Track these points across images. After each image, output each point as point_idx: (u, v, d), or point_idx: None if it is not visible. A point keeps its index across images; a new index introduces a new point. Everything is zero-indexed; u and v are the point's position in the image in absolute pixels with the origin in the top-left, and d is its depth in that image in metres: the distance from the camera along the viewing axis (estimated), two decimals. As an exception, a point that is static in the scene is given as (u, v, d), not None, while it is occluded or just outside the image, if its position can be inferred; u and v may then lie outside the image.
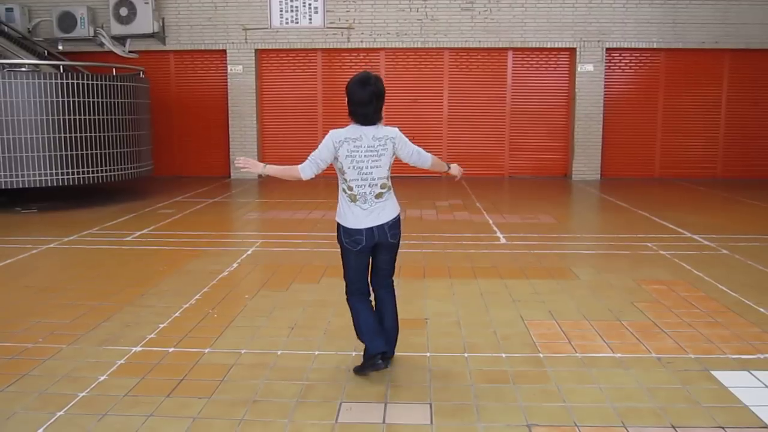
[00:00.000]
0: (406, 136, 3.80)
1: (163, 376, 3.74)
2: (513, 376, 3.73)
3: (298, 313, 4.85)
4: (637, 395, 3.48)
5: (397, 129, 3.73)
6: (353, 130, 3.62)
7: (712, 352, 4.08)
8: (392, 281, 3.92)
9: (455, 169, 4.13)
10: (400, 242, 3.84)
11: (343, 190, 3.68)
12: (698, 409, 3.32)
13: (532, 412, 3.29)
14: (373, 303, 3.89)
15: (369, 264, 3.80)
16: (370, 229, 3.63)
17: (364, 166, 3.60)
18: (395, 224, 3.73)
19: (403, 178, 13.39)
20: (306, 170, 3.70)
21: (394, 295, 3.92)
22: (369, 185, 3.63)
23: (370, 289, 3.85)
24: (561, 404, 3.37)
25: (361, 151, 3.59)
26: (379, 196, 3.65)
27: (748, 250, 6.81)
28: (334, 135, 3.64)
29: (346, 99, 3.63)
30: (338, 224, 3.73)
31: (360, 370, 3.74)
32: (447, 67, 13.57)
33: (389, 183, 3.73)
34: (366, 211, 3.63)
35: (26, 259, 6.58)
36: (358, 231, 3.64)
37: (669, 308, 4.94)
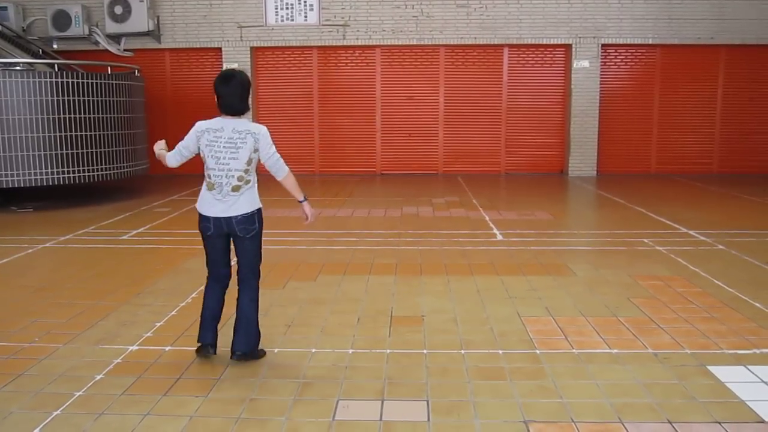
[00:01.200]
0: (271, 143, 3.82)
1: (160, 374, 3.74)
2: (510, 372, 3.73)
3: (295, 310, 4.85)
4: (634, 391, 3.49)
5: (264, 128, 3.80)
6: (217, 121, 3.78)
7: (709, 347, 4.09)
8: (252, 278, 3.89)
9: (306, 207, 3.97)
10: (260, 238, 3.88)
11: (205, 177, 3.80)
12: (695, 404, 3.32)
13: (529, 408, 3.29)
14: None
15: (225, 252, 3.91)
16: (219, 219, 3.76)
17: (222, 156, 3.72)
18: (246, 220, 3.77)
19: (398, 175, 13.41)
20: (170, 159, 3.93)
21: (250, 295, 3.88)
22: (226, 176, 3.73)
23: (228, 279, 3.98)
24: (558, 400, 3.38)
25: (221, 142, 3.72)
26: (235, 188, 3.74)
27: (744, 246, 6.83)
28: (197, 125, 3.82)
29: (215, 95, 3.76)
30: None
31: (197, 352, 3.94)
32: (443, 64, 13.55)
33: (250, 177, 3.78)
34: (218, 200, 3.75)
35: (22, 259, 6.56)
36: (207, 218, 3.79)
37: (665, 304, 4.94)
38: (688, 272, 5.84)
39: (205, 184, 3.81)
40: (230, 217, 3.74)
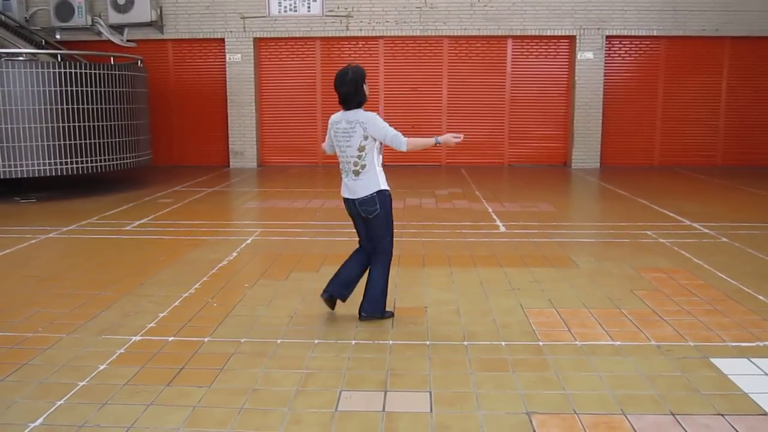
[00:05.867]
0: (390, 123, 4.23)
1: (163, 365, 3.74)
2: (512, 364, 3.74)
3: (298, 301, 4.86)
4: (637, 383, 3.49)
5: (371, 114, 4.19)
6: (338, 115, 4.30)
7: (712, 339, 4.09)
8: (380, 252, 4.33)
9: (445, 138, 4.26)
10: (385, 218, 4.27)
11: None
12: (697, 397, 3.32)
13: (532, 399, 3.30)
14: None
15: (363, 228, 4.40)
16: (348, 200, 4.32)
17: (342, 145, 4.25)
18: (366, 202, 4.23)
19: (402, 167, 13.39)
20: (326, 148, 4.58)
21: (378, 267, 4.33)
22: (346, 162, 4.26)
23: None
24: (560, 392, 3.38)
25: (339, 133, 4.24)
26: (355, 173, 4.24)
27: (747, 238, 6.81)
28: (330, 119, 4.39)
29: None
30: None
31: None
32: (446, 56, 13.51)
33: (365, 163, 4.20)
34: (345, 184, 4.32)
35: (26, 249, 6.58)
36: (343, 200, 4.38)
37: (668, 296, 4.94)
38: (692, 264, 5.83)
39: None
40: (354, 200, 4.26)
